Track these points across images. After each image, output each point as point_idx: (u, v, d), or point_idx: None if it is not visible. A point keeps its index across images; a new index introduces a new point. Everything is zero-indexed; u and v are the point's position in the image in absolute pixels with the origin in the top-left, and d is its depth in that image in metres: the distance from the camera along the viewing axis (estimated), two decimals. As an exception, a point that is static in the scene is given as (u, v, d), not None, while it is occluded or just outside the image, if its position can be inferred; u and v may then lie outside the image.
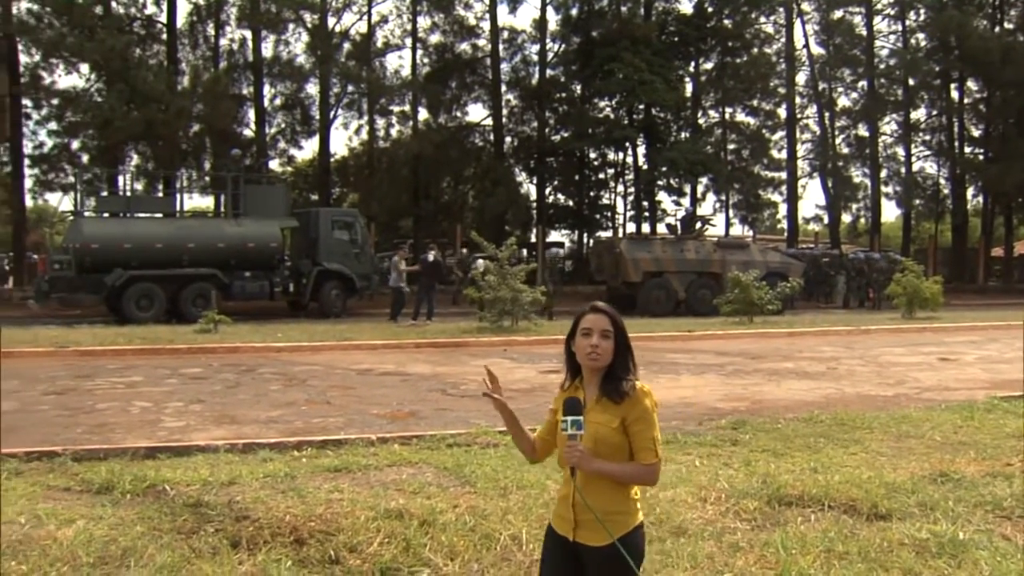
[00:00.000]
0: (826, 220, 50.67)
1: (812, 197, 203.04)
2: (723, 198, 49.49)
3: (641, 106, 43.25)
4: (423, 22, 44.86)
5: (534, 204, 47.08)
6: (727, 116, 49.05)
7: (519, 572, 4.97)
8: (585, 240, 48.43)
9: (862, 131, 49.17)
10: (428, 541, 5.30)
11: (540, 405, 9.09)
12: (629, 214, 49.74)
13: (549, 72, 45.77)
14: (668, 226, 37.54)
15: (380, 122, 45.24)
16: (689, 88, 47.22)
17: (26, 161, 35.94)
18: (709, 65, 48.10)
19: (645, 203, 46.71)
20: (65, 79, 66.43)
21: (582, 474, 3.18)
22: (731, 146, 49.06)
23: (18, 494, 6.39)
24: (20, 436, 8.72)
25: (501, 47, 44.75)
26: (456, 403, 11.16)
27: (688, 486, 6.52)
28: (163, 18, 38.23)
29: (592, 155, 47.81)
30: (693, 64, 47.57)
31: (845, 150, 49.72)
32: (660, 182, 44.93)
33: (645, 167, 45.83)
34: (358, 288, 27.48)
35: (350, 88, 42.27)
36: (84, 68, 35.70)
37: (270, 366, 14.80)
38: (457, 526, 5.49)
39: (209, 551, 5.19)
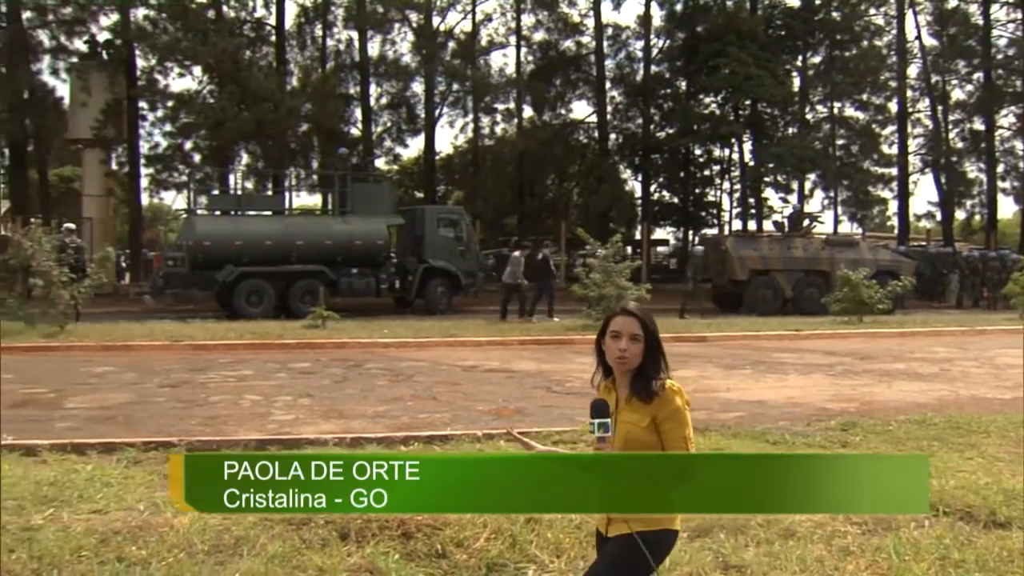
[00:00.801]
0: (939, 217, 49.11)
1: (924, 193, 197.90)
2: (831, 195, 48.37)
3: (747, 101, 42.45)
4: (527, 20, 45.02)
5: (639, 201, 46.78)
6: (836, 111, 47.79)
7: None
8: (690, 237, 47.94)
9: (977, 125, 47.32)
10: (534, 538, 5.34)
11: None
12: (735, 211, 48.98)
13: (654, 68, 45.34)
14: (775, 223, 36.88)
15: (485, 120, 45.66)
16: (796, 82, 46.15)
17: (142, 161, 37.00)
18: (817, 59, 46.99)
19: (751, 200, 45.85)
20: (179, 82, 68.58)
21: None
22: (840, 141, 47.77)
23: (137, 482, 6.63)
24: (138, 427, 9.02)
25: (605, 44, 44.55)
26: (561, 400, 11.15)
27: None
28: (272, 20, 39.00)
29: (697, 151, 47.17)
30: (801, 58, 46.55)
31: (959, 144, 47.90)
32: (767, 178, 43.95)
33: (751, 163, 44.96)
34: (463, 285, 27.51)
35: (455, 86, 42.61)
36: (197, 71, 36.59)
37: (377, 362, 14.99)
38: (563, 523, 5.51)
39: (319, 542, 5.31)
